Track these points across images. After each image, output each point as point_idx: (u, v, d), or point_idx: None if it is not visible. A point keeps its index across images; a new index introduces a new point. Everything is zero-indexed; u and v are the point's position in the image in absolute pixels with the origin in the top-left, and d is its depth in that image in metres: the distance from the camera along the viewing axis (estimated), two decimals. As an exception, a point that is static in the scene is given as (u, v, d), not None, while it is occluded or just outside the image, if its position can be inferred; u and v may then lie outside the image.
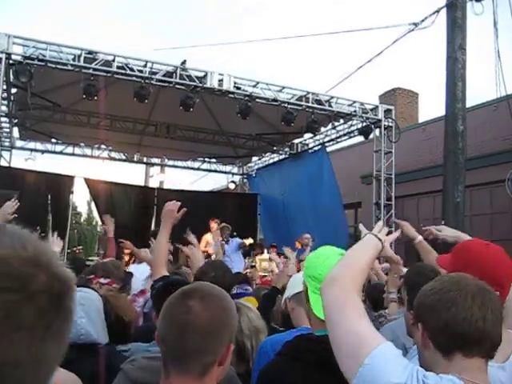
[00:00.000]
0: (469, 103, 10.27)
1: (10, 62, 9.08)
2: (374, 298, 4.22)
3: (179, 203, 3.24)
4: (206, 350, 1.42)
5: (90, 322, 2.62)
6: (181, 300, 1.47)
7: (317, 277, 2.03)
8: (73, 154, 15.47)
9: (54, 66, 9.33)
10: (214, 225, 10.31)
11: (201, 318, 1.41)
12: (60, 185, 13.69)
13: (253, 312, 3.00)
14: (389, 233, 1.94)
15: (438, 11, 10.19)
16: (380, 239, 1.82)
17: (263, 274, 10.64)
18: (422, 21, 10.59)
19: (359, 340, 1.44)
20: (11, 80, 9.92)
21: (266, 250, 12.03)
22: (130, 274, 5.53)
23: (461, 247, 2.16)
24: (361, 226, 2.00)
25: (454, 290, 1.49)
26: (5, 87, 9.89)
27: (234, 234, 10.31)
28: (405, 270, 4.12)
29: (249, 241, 11.91)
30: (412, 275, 2.73)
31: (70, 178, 14.01)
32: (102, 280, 3.92)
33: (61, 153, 15.29)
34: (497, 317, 1.47)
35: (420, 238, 3.20)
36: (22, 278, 0.64)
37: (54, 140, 14.82)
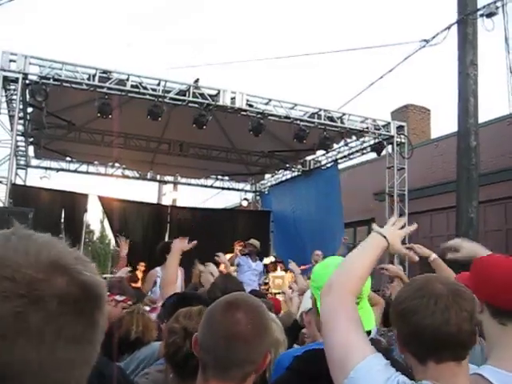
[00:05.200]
0: (481, 119, 10.27)
1: (27, 82, 9.23)
2: (384, 312, 4.05)
3: (187, 238, 3.53)
4: (249, 359, 1.48)
5: None
6: (227, 311, 1.51)
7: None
8: (87, 173, 15.61)
9: (69, 85, 9.46)
10: (238, 247, 10.27)
11: (247, 329, 1.46)
12: (74, 203, 13.81)
13: (276, 324, 2.99)
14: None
15: (448, 28, 10.24)
16: (384, 236, 1.78)
17: (276, 291, 10.63)
18: (433, 37, 10.64)
19: (347, 352, 1.46)
20: (27, 99, 10.08)
21: (279, 268, 12.03)
22: (140, 291, 5.55)
23: (479, 262, 2.13)
24: (373, 225, 1.97)
25: (418, 298, 1.48)
26: (21, 107, 10.04)
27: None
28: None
29: (270, 259, 11.92)
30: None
31: (84, 196, 14.12)
32: (118, 297, 3.93)
33: (75, 171, 15.43)
34: (463, 317, 1.45)
35: (434, 255, 3.16)
36: (30, 284, 0.64)
37: (68, 158, 14.98)
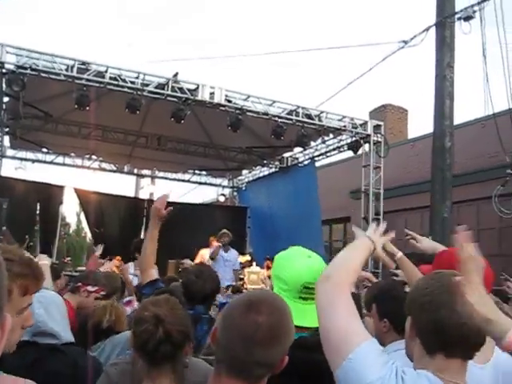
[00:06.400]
0: (457, 120, 10.43)
1: (3, 70, 9.12)
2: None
3: (168, 198, 3.22)
4: (267, 362, 1.45)
5: (48, 314, 2.59)
6: (248, 313, 1.46)
7: (282, 278, 2.05)
8: (63, 164, 15.46)
9: (46, 75, 9.38)
10: (214, 243, 10.28)
11: (267, 333, 1.43)
12: (50, 194, 13.69)
13: None
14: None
15: (427, 30, 10.36)
16: (372, 241, 1.86)
17: (251, 287, 10.68)
18: (412, 39, 10.75)
19: (346, 335, 1.50)
20: (3, 89, 9.95)
21: (254, 263, 12.06)
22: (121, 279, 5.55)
23: (441, 255, 2.22)
24: (354, 228, 2.03)
25: (445, 293, 1.53)
26: (-3, 96, 9.92)
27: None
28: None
29: (246, 258, 11.96)
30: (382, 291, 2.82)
31: (60, 188, 14.01)
32: (90, 288, 3.94)
33: (51, 162, 15.26)
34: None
35: (400, 253, 3.24)
36: None
37: (44, 150, 14.82)
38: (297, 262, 2.05)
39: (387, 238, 2.01)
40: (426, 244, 2.89)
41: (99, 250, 6.85)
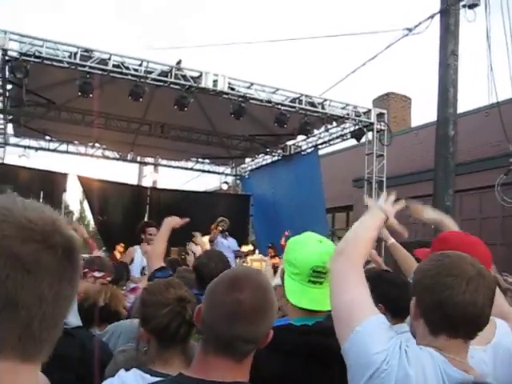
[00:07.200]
0: (461, 109, 10.40)
1: (7, 58, 9.12)
2: None
3: (181, 221, 3.64)
4: (252, 338, 1.47)
5: None
6: (231, 291, 1.48)
7: (293, 262, 2.06)
8: (67, 152, 15.50)
9: (49, 62, 9.36)
10: (215, 230, 10.34)
11: (250, 309, 1.45)
12: (53, 182, 13.71)
13: None
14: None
15: (431, 17, 10.30)
16: (384, 211, 1.89)
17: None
18: (416, 26, 10.69)
19: (355, 308, 1.55)
20: (7, 76, 9.96)
21: (257, 251, 12.11)
22: (125, 266, 5.58)
23: (440, 239, 2.24)
24: (366, 198, 2.04)
25: (451, 276, 1.56)
26: (0, 83, 9.92)
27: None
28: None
29: (248, 247, 12.00)
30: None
31: (64, 176, 14.04)
32: (96, 274, 3.97)
33: (55, 150, 15.31)
34: (488, 302, 1.56)
35: (392, 240, 3.27)
36: (44, 233, 0.81)
37: (48, 137, 14.85)
38: (307, 246, 2.07)
39: (399, 207, 2.02)
40: (431, 214, 2.84)
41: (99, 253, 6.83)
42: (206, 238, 10.38)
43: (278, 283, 2.51)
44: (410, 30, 10.89)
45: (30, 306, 0.78)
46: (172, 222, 3.56)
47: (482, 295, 1.55)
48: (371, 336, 1.48)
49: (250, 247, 12.13)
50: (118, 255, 10.95)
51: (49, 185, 13.48)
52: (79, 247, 0.87)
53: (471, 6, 9.65)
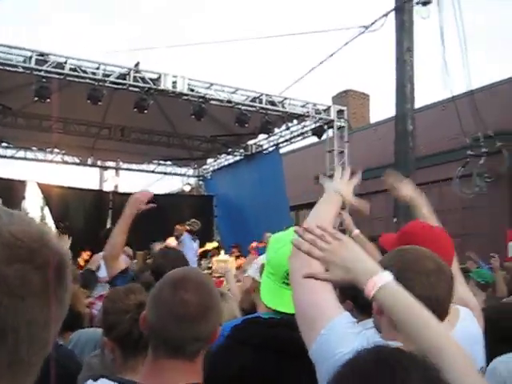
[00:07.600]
0: (418, 104, 10.59)
1: (-42, 64, 8.89)
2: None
3: (152, 193, 3.20)
4: (201, 337, 1.47)
5: None
6: (174, 292, 1.47)
7: (270, 261, 2.05)
8: (25, 159, 15.20)
9: (3, 67, 9.16)
10: (180, 228, 10.31)
11: (196, 308, 1.45)
12: (11, 190, 13.39)
13: (234, 301, 3.12)
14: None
15: (386, 15, 10.46)
16: (340, 193, 1.84)
17: (219, 275, 10.69)
18: (372, 24, 10.84)
19: (318, 309, 1.53)
20: (-41, 82, 9.70)
21: (222, 252, 12.08)
22: (93, 274, 5.48)
23: (407, 232, 2.27)
24: (321, 179, 1.98)
25: (411, 271, 1.59)
26: (-47, 90, 9.66)
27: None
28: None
29: (212, 245, 11.96)
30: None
31: (22, 183, 13.76)
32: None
33: (12, 157, 14.98)
34: (446, 295, 1.61)
35: (357, 231, 3.33)
36: (31, 252, 0.74)
37: (4, 144, 14.53)
38: (282, 247, 2.01)
39: (354, 182, 1.97)
40: (406, 191, 2.85)
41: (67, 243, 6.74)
42: (171, 239, 10.33)
43: (251, 275, 2.45)
44: (366, 27, 11.03)
45: (18, 331, 0.73)
46: (140, 197, 3.07)
47: (441, 288, 1.59)
48: (337, 337, 1.47)
49: (215, 244, 12.08)
50: (81, 262, 10.77)
51: (7, 192, 13.15)
52: (69, 263, 0.82)
53: (424, 3, 9.84)
